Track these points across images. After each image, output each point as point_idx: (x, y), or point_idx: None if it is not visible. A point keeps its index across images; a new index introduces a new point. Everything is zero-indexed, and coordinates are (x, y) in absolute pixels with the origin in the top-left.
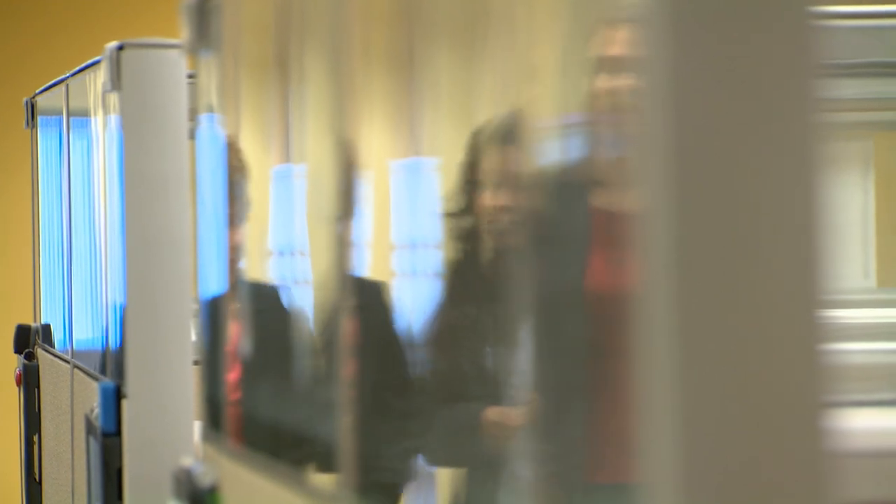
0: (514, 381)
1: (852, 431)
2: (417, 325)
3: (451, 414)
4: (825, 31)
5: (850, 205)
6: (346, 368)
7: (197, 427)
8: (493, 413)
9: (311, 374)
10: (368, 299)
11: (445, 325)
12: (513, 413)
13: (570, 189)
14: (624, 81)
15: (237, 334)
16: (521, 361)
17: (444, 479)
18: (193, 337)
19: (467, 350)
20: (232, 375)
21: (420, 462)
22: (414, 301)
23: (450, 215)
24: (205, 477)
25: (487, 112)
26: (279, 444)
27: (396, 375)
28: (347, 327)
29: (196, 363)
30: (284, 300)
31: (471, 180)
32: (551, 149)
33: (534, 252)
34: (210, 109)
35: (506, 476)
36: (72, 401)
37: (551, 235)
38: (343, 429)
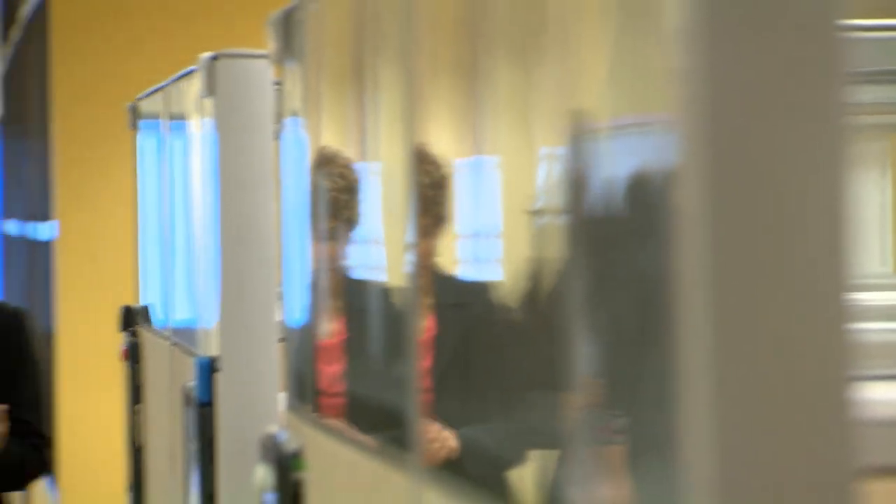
0: (587, 367)
1: (872, 402)
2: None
3: (530, 398)
4: (849, 41)
5: (868, 200)
6: (430, 357)
7: (282, 398)
8: (569, 397)
9: (400, 361)
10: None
11: (524, 315)
12: (585, 396)
13: (628, 186)
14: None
15: (339, 328)
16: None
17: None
18: (277, 317)
19: (545, 338)
20: (333, 368)
21: (500, 442)
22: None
23: (533, 212)
24: (289, 443)
25: (543, 115)
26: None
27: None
28: (428, 320)
29: (281, 340)
30: (376, 294)
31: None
32: (605, 149)
33: (596, 248)
34: (294, 114)
35: (582, 453)
36: (170, 374)
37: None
38: (420, 407)
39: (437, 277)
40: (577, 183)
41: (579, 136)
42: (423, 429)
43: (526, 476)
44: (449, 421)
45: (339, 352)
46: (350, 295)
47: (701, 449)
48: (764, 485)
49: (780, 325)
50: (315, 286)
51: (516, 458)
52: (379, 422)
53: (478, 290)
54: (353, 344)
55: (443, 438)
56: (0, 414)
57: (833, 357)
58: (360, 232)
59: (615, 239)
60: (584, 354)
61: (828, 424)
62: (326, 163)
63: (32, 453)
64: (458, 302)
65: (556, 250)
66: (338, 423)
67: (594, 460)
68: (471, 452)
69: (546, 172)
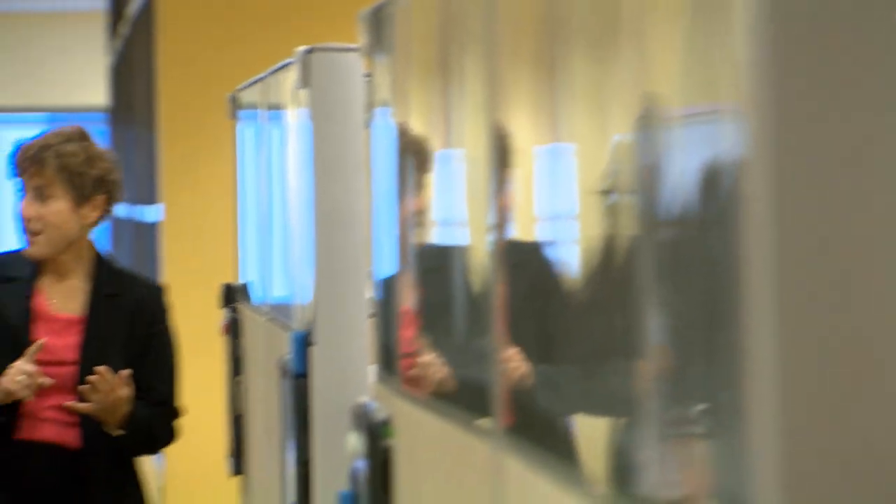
0: (655, 339)
1: None
2: (570, 286)
3: (598, 366)
4: None
5: None
6: (504, 323)
7: (371, 370)
8: (634, 366)
9: (473, 328)
10: (527, 258)
11: (594, 287)
12: (651, 366)
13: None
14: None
15: (413, 297)
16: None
17: (593, 424)
18: (368, 294)
19: (613, 308)
20: (407, 332)
21: (567, 409)
22: (560, 264)
23: (601, 192)
24: (379, 412)
25: (617, 105)
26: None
27: (551, 330)
28: (503, 287)
29: (371, 316)
30: (453, 262)
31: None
32: (675, 136)
33: (665, 229)
34: (383, 104)
35: (648, 422)
36: (268, 348)
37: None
38: (498, 377)
39: (511, 246)
40: (647, 168)
41: (650, 124)
42: (504, 398)
43: (596, 439)
44: (520, 394)
45: (416, 319)
46: (431, 267)
47: (765, 428)
48: (826, 464)
49: (842, 308)
50: (400, 260)
51: (587, 425)
52: (457, 388)
53: (547, 259)
54: (431, 312)
55: (517, 360)
56: (124, 378)
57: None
58: (439, 209)
59: (684, 221)
60: (652, 328)
61: (893, 408)
62: (411, 145)
63: (161, 419)
64: (530, 270)
65: (626, 230)
66: (418, 389)
67: (670, 448)
68: (540, 419)
69: (618, 158)
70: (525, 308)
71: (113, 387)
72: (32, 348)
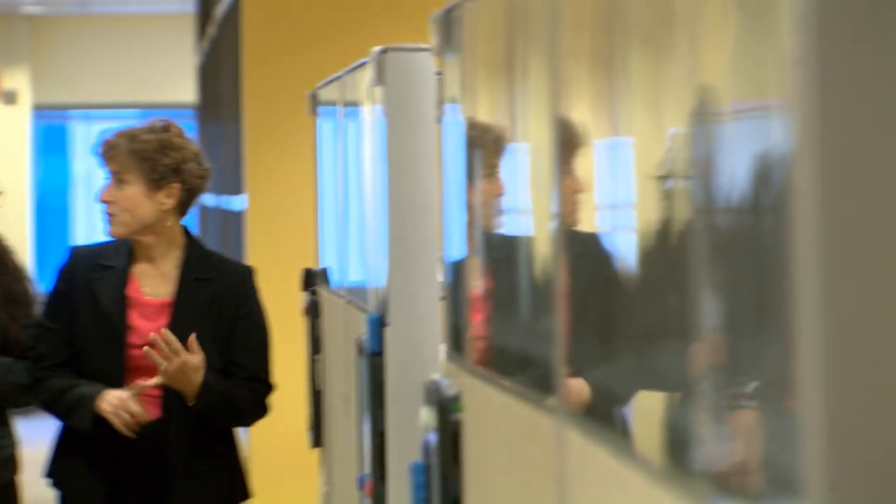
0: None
1: None
2: (628, 272)
3: (657, 348)
4: None
5: None
6: (566, 306)
7: (442, 349)
8: (690, 347)
9: (538, 313)
10: (586, 248)
11: (652, 274)
12: (706, 347)
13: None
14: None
15: (482, 283)
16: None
17: (651, 403)
18: (438, 279)
19: (668, 293)
20: (477, 316)
21: (626, 388)
22: (619, 252)
23: (659, 178)
24: (449, 388)
25: (672, 99)
26: (518, 367)
27: (612, 314)
28: (565, 272)
29: (441, 299)
30: (518, 250)
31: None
32: (727, 130)
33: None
34: (453, 100)
35: (703, 399)
36: (345, 328)
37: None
38: (561, 356)
39: (573, 236)
40: (701, 159)
41: (704, 119)
42: (565, 381)
43: (651, 416)
44: (580, 364)
45: (485, 302)
46: (498, 253)
47: (812, 403)
48: (871, 438)
49: (885, 290)
50: (469, 246)
51: (645, 401)
52: (522, 367)
53: (606, 249)
54: (500, 298)
55: (579, 391)
56: (191, 345)
57: None
58: (506, 198)
59: (736, 211)
60: (705, 311)
61: None
62: (479, 137)
63: (247, 393)
64: (590, 259)
65: (682, 219)
66: (485, 368)
67: (721, 422)
68: (600, 397)
69: (673, 150)
70: (587, 294)
71: (177, 352)
72: (136, 387)
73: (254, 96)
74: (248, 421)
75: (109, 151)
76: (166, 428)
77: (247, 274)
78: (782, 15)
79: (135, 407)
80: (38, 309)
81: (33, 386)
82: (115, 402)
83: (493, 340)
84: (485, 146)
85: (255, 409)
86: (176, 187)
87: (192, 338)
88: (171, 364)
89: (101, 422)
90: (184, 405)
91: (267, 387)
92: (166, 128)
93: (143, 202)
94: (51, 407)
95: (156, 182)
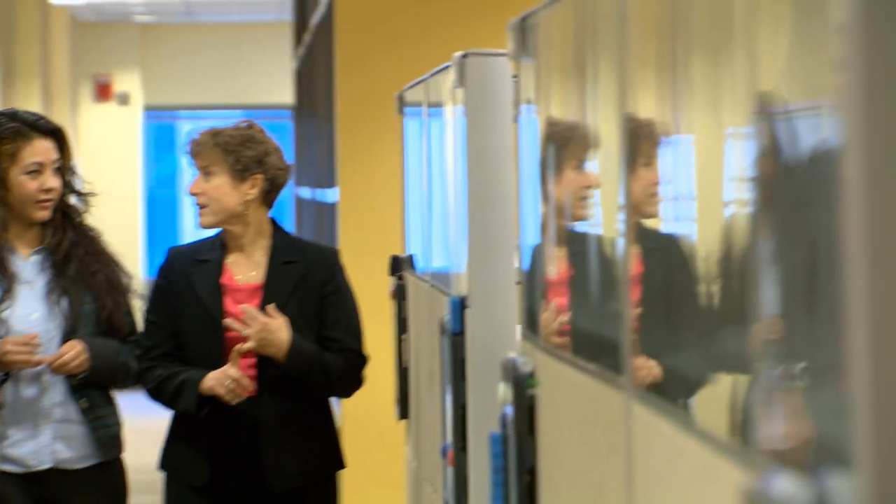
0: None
1: None
2: (692, 261)
3: (719, 332)
4: None
5: None
6: (637, 292)
7: (518, 329)
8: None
9: (608, 297)
10: (656, 242)
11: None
12: (765, 331)
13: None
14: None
15: (559, 269)
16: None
17: (713, 381)
18: (515, 264)
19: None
20: (561, 301)
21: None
22: (683, 242)
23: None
24: (525, 365)
25: (730, 100)
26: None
27: (676, 299)
28: (636, 264)
29: (517, 283)
30: (591, 240)
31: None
32: (783, 128)
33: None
34: (528, 101)
35: (763, 380)
36: (429, 310)
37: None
38: (630, 338)
39: (642, 230)
40: (761, 156)
41: (762, 118)
42: (634, 358)
43: (712, 393)
44: (651, 348)
45: (563, 289)
46: (572, 243)
47: (862, 383)
48: None
49: None
50: (544, 236)
51: (708, 381)
52: (596, 348)
53: (675, 241)
54: (575, 284)
55: (649, 367)
56: (269, 310)
57: None
58: (590, 191)
59: (794, 203)
60: (766, 297)
61: None
62: (565, 134)
63: (342, 361)
64: (659, 249)
65: (743, 213)
66: (563, 350)
67: (776, 400)
68: (671, 377)
69: (733, 148)
70: (655, 282)
71: (255, 317)
72: (235, 353)
73: (345, 98)
74: (343, 389)
75: (196, 147)
76: (262, 403)
77: (331, 254)
78: (831, 20)
79: (235, 372)
80: (134, 297)
81: (141, 375)
82: (218, 375)
83: (570, 323)
84: (572, 142)
85: (349, 377)
86: (259, 178)
87: (271, 307)
88: (253, 327)
89: (204, 403)
90: (278, 379)
91: (361, 358)
92: (249, 126)
93: (229, 192)
94: (157, 394)
95: (240, 173)
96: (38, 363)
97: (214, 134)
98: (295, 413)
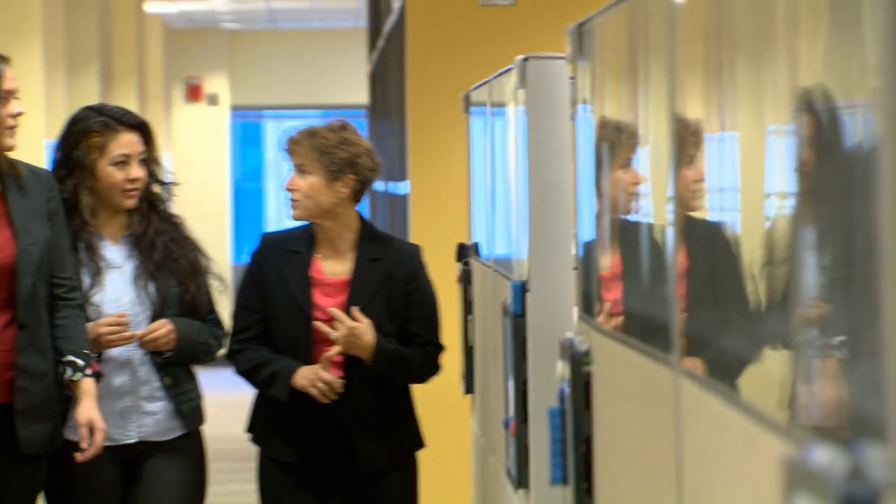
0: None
1: None
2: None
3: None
4: None
5: None
6: (683, 278)
7: (574, 311)
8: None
9: (658, 281)
10: (703, 233)
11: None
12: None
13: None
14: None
15: (612, 260)
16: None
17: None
18: (571, 251)
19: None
20: (611, 294)
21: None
22: (729, 232)
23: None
24: (581, 344)
25: (772, 99)
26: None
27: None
28: (682, 252)
29: (573, 269)
30: (642, 230)
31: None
32: (822, 126)
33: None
34: (584, 101)
35: (803, 357)
36: (493, 293)
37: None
38: (678, 317)
39: (690, 221)
40: (801, 151)
41: (801, 116)
42: (679, 338)
43: (763, 373)
44: (698, 328)
45: (616, 281)
46: (624, 234)
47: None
48: None
49: None
50: (599, 226)
51: (752, 359)
52: (646, 329)
53: (720, 229)
54: (628, 272)
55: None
56: (354, 313)
57: None
58: (640, 185)
59: (833, 195)
60: (809, 281)
61: None
62: (608, 133)
63: (422, 354)
64: (706, 239)
65: (785, 203)
66: (616, 329)
67: (817, 369)
68: (717, 355)
69: (775, 145)
70: (703, 268)
71: (343, 321)
72: (325, 359)
73: (415, 98)
74: (422, 378)
75: (293, 146)
76: (350, 393)
77: (414, 253)
78: (866, 26)
79: (328, 376)
80: (213, 279)
81: (231, 355)
82: (310, 376)
83: (623, 306)
84: (620, 141)
85: (427, 368)
86: (351, 178)
87: (355, 309)
88: (340, 331)
89: (295, 393)
90: (362, 367)
91: (438, 348)
92: (343, 127)
93: (322, 190)
94: (248, 376)
95: (333, 174)
96: (130, 337)
97: (311, 134)
98: (380, 400)
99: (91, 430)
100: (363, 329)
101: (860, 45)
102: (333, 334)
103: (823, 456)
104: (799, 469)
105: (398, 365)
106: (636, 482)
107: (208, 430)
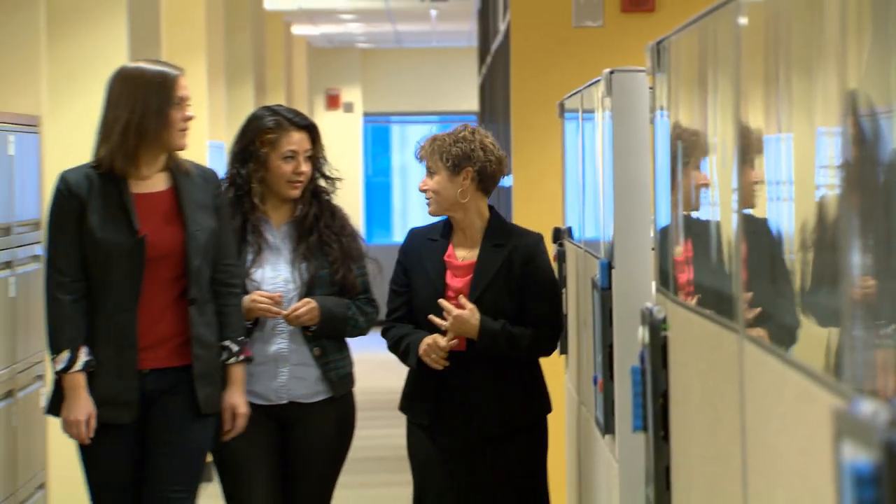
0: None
1: None
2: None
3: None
4: None
5: None
6: (745, 263)
7: (653, 285)
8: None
9: (725, 263)
10: (757, 227)
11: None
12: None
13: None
14: None
15: (687, 247)
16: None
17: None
18: (650, 234)
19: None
20: (684, 277)
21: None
22: (783, 223)
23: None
24: (659, 313)
25: (822, 105)
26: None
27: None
28: (742, 241)
29: (652, 249)
30: (710, 222)
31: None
32: (866, 128)
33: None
34: (661, 108)
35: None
36: (584, 270)
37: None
38: (741, 290)
39: (748, 217)
40: (848, 150)
41: (849, 120)
42: (744, 306)
43: (817, 339)
44: (760, 303)
45: (687, 264)
46: (697, 223)
47: None
48: None
49: None
50: (674, 215)
51: (807, 327)
52: (715, 302)
53: (771, 226)
54: (698, 253)
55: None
56: (461, 302)
57: None
58: (700, 181)
59: (875, 191)
60: (858, 264)
61: None
62: (681, 136)
63: (533, 332)
64: (760, 233)
65: (835, 197)
66: (689, 300)
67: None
68: (777, 323)
69: (826, 145)
70: (762, 253)
71: (450, 311)
72: (448, 337)
73: (518, 105)
74: (535, 354)
75: (422, 152)
76: (473, 362)
77: (535, 239)
78: None
79: (442, 342)
80: (368, 264)
81: (384, 332)
82: (425, 347)
83: (696, 281)
84: (697, 144)
85: (540, 345)
86: (470, 171)
87: (461, 297)
88: (448, 320)
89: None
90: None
91: (554, 329)
92: (463, 128)
93: (447, 186)
94: (393, 350)
95: (454, 168)
96: (276, 314)
97: (433, 140)
98: (502, 368)
99: (234, 415)
100: (468, 315)
101: None
102: (444, 324)
103: (868, 408)
104: (847, 419)
105: (505, 342)
106: (706, 430)
107: (368, 383)
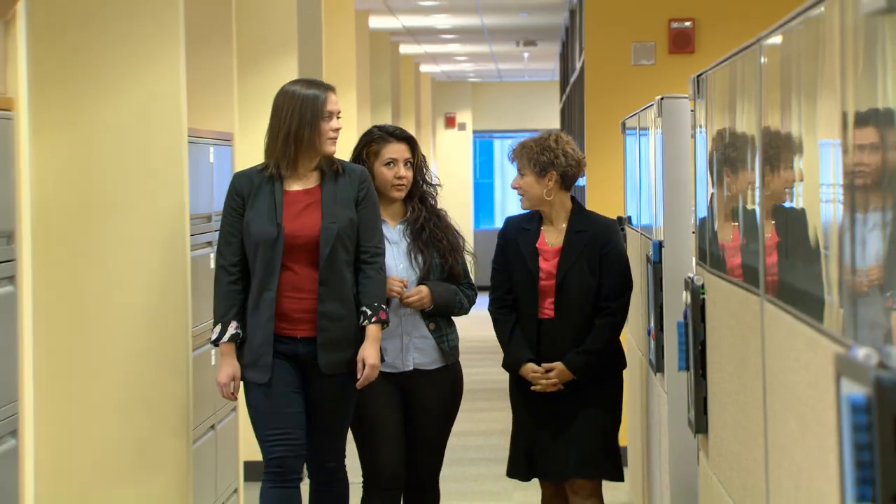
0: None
1: None
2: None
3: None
4: None
5: None
6: (770, 243)
7: (694, 259)
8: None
9: (751, 238)
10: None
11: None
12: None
13: None
14: None
15: (734, 235)
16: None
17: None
18: (692, 222)
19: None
20: (734, 260)
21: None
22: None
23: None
24: (698, 280)
25: (824, 123)
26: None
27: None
28: (772, 231)
29: (693, 233)
30: (748, 216)
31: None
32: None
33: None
34: (700, 126)
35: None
36: (640, 250)
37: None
38: (763, 264)
39: (777, 208)
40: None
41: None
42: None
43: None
44: (782, 276)
45: (735, 250)
46: (735, 212)
47: None
48: None
49: None
50: (710, 206)
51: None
52: (744, 273)
53: (799, 215)
54: (729, 235)
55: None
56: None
57: None
58: (738, 181)
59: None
60: (870, 249)
61: None
62: (722, 144)
63: (606, 319)
64: (790, 220)
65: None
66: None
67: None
68: (793, 287)
69: (827, 154)
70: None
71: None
72: (550, 384)
73: (590, 125)
74: (618, 333)
75: (513, 155)
76: (560, 326)
77: (610, 225)
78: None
79: (539, 387)
80: (468, 255)
81: (490, 309)
82: (529, 375)
83: (732, 258)
84: (737, 153)
85: (618, 325)
86: (553, 174)
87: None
88: (552, 378)
89: (522, 326)
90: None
91: (620, 306)
92: (548, 136)
93: (535, 186)
94: (496, 329)
95: (540, 172)
96: (397, 294)
97: (522, 146)
98: (586, 326)
99: (364, 364)
100: (566, 376)
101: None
102: (548, 382)
103: (863, 353)
104: (845, 362)
105: (596, 359)
106: (734, 370)
107: (466, 333)
